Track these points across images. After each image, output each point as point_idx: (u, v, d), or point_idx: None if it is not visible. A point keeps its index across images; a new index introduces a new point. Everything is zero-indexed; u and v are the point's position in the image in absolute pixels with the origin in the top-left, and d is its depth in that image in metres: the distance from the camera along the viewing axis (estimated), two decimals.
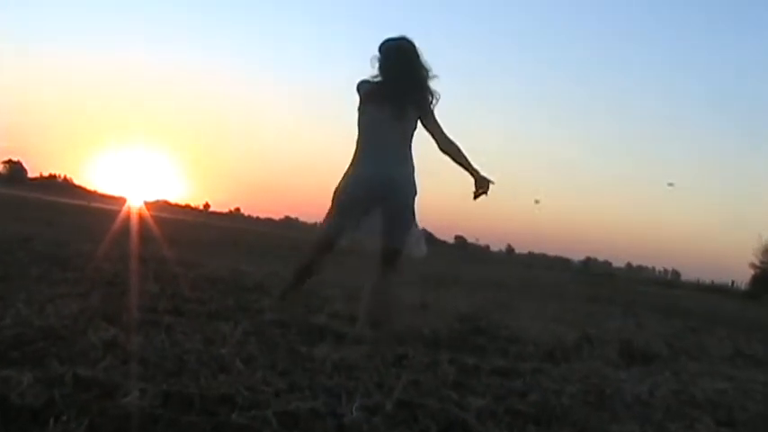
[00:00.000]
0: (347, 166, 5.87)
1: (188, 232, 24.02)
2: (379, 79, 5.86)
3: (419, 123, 5.83)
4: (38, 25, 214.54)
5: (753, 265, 55.74)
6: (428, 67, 5.84)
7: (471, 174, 5.79)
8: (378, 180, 5.70)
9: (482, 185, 5.80)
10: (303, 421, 2.94)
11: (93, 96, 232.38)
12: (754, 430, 3.98)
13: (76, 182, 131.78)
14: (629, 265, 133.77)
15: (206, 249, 15.04)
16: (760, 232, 56.72)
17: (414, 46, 5.85)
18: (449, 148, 5.81)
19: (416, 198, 5.86)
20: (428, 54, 5.81)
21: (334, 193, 5.87)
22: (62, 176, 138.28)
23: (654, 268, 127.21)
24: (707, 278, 69.43)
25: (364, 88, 5.87)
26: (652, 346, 7.00)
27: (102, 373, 3.18)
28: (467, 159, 5.80)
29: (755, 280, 54.17)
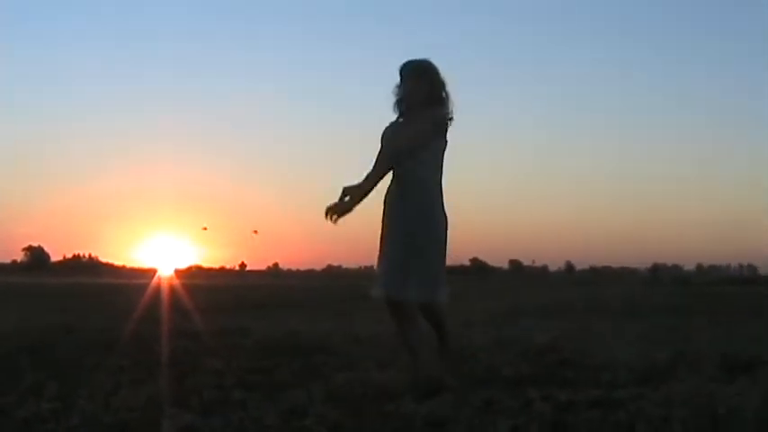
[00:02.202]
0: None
1: (228, 297, 24.08)
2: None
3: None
4: (49, 104, 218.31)
5: None
6: None
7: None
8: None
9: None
10: None
11: (108, 168, 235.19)
12: None
13: (102, 259, 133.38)
14: (699, 266, 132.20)
15: (251, 313, 15.09)
16: None
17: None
18: None
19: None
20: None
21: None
22: (86, 255, 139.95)
23: (728, 266, 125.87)
24: None
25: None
26: (752, 353, 6.91)
27: None
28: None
29: None
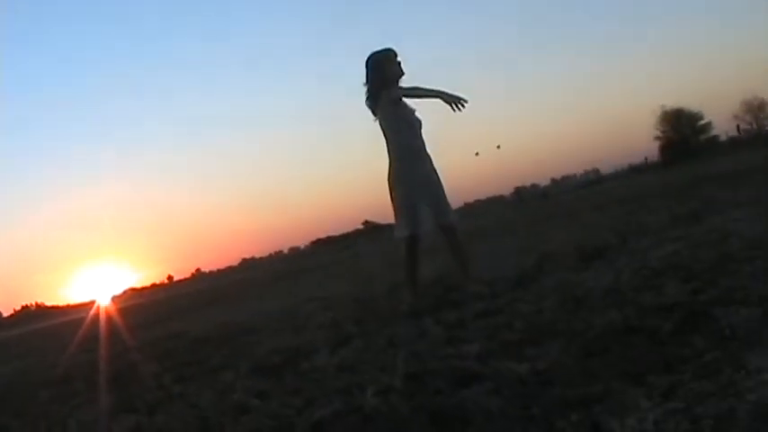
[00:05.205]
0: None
1: (161, 308, 23.74)
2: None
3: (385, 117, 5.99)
4: None
5: (657, 138, 56.86)
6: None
7: (439, 97, 5.67)
8: None
9: (452, 100, 5.62)
10: (330, 426, 2.94)
11: (31, 215, 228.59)
12: (714, 278, 4.05)
13: (48, 303, 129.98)
14: (554, 180, 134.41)
15: (186, 317, 14.88)
16: (653, 108, 57.73)
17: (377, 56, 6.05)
18: (410, 93, 5.91)
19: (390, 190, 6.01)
20: None
21: None
22: (33, 304, 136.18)
23: (576, 174, 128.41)
24: (624, 164, 70.25)
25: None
26: (601, 240, 7.10)
27: None
28: (428, 90, 5.78)
29: (663, 150, 55.25)
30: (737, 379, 2.40)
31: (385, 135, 5.98)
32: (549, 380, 2.86)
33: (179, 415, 3.92)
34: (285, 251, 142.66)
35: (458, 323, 4.58)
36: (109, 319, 19.46)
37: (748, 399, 2.23)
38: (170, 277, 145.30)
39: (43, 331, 33.64)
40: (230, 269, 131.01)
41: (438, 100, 5.63)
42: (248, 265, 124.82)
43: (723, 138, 54.28)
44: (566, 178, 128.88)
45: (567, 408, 2.51)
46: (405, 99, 5.94)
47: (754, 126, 54.35)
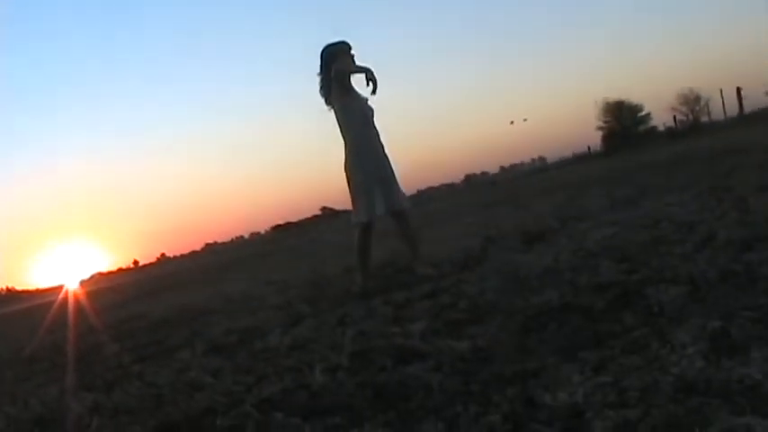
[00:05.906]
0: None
1: (127, 292, 23.52)
2: None
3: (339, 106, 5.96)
4: None
5: (599, 128, 57.27)
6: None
7: (365, 73, 5.66)
8: None
9: (373, 81, 5.61)
10: (278, 402, 2.93)
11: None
12: (646, 258, 4.09)
13: (18, 288, 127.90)
14: (502, 168, 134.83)
15: (149, 300, 14.77)
16: (595, 100, 58.11)
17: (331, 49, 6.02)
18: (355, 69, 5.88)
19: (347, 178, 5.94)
20: None
21: None
22: (4, 289, 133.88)
23: (523, 162, 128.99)
24: (569, 153, 70.60)
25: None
26: (544, 224, 7.15)
27: None
28: (360, 66, 5.80)
29: (605, 140, 55.68)
30: (663, 354, 2.43)
31: (339, 124, 5.96)
32: (488, 357, 2.87)
33: (136, 393, 3.89)
34: (246, 236, 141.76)
35: (405, 303, 4.59)
36: (76, 302, 19.24)
37: (672, 372, 2.25)
38: (136, 262, 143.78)
39: (13, 315, 33.18)
40: (194, 254, 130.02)
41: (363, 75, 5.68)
42: (211, 249, 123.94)
43: (661, 128, 54.76)
44: (514, 166, 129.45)
45: (504, 383, 2.52)
46: (357, 90, 5.92)
47: (690, 117, 54.86)
